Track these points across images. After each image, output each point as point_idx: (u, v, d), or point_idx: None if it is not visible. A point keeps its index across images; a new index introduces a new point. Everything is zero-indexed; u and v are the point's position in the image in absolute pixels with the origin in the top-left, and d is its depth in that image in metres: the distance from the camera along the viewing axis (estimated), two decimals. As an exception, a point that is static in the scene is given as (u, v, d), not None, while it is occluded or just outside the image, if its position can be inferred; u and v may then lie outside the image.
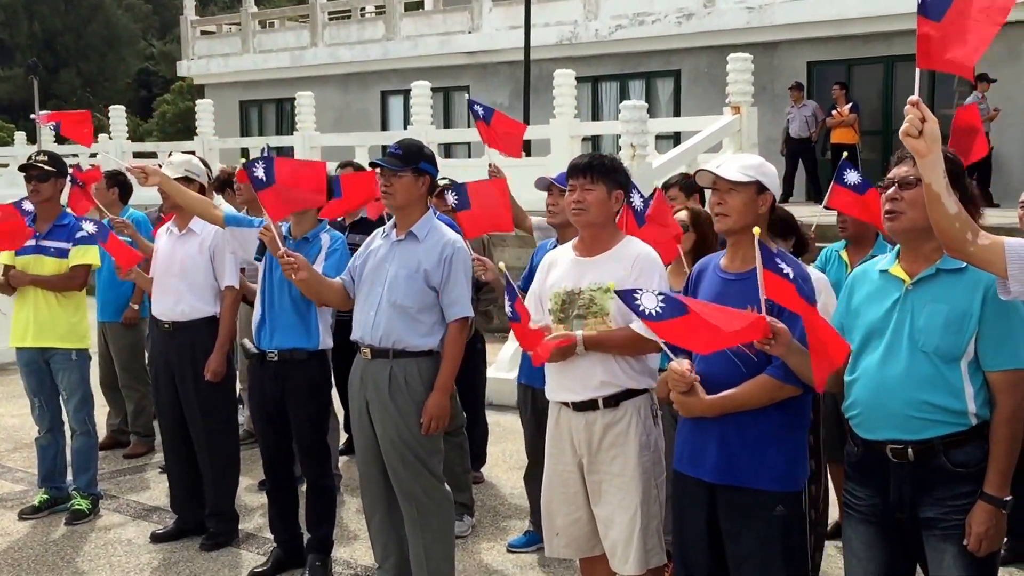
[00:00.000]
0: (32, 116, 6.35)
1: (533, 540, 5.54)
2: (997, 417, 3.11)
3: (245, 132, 24.63)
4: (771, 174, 3.60)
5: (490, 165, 6.16)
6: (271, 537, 5.49)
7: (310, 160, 4.70)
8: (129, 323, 7.48)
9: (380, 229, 4.73)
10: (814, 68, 17.43)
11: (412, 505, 4.55)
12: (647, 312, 3.30)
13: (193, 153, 6.93)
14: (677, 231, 4.76)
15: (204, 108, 19.37)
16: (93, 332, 6.77)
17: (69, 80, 49.67)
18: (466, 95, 21.25)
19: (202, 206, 5.29)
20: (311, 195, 4.75)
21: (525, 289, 5.47)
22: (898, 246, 3.34)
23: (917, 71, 3.01)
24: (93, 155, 19.59)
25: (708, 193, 3.70)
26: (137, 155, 19.51)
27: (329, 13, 23.86)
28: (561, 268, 4.04)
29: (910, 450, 3.14)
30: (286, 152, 18.33)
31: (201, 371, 5.45)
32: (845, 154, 6.25)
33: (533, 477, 5.48)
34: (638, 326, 3.74)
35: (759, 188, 3.53)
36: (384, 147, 19.68)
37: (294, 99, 18.35)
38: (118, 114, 20.82)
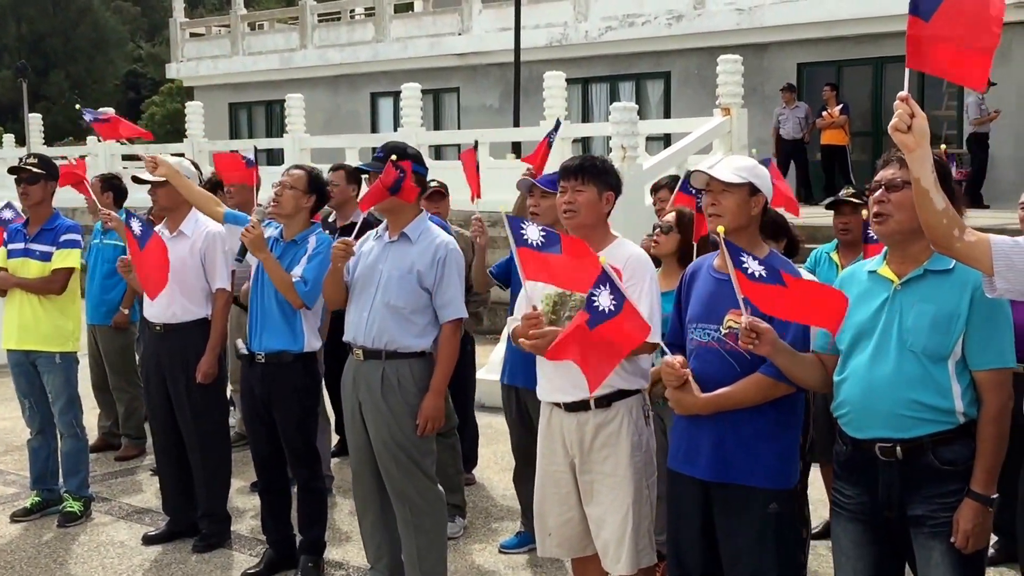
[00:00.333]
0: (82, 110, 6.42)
1: (525, 541, 5.55)
2: (984, 416, 3.14)
3: (234, 134, 24.59)
4: (764, 176, 3.65)
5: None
6: (263, 538, 5.50)
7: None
8: (119, 327, 7.47)
9: (373, 231, 4.74)
10: (804, 69, 17.48)
11: (405, 506, 4.56)
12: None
13: (183, 155, 6.95)
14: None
15: (194, 110, 19.34)
16: (84, 334, 6.76)
17: (57, 82, 49.52)
18: (456, 97, 21.42)
19: (204, 201, 5.36)
20: None
21: (497, 275, 5.51)
22: (886, 247, 3.37)
23: (907, 69, 3.04)
24: (82, 157, 19.55)
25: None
26: (126, 157, 19.44)
27: (318, 15, 23.84)
28: None
29: (899, 448, 3.17)
30: (276, 154, 18.33)
31: (192, 373, 5.45)
32: None
33: (522, 478, 5.51)
34: None
35: (752, 189, 3.57)
36: (374, 149, 19.69)
37: (283, 101, 18.34)
38: (107, 116, 20.72)
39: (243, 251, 4.96)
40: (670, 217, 4.84)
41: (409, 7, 23.74)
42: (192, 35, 26.29)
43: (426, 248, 4.49)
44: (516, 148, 15.25)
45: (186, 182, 5.34)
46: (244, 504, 6.36)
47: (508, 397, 5.40)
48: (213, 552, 5.57)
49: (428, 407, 4.49)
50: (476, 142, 6.37)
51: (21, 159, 6.05)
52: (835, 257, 5.50)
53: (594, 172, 3.97)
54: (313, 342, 5.10)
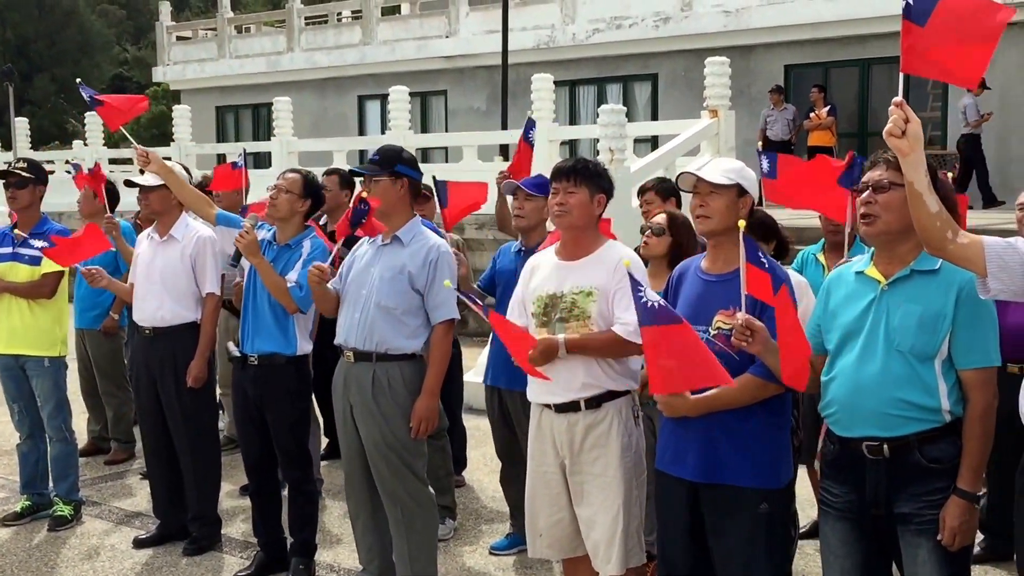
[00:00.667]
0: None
1: (515, 542, 5.57)
2: (969, 414, 3.18)
3: (221, 138, 24.57)
4: (751, 178, 3.68)
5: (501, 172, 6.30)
6: (254, 541, 5.51)
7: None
8: (109, 331, 7.46)
9: (366, 237, 4.77)
10: (791, 71, 17.56)
11: (396, 507, 4.58)
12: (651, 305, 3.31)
13: (170, 159, 6.94)
14: None
15: (181, 114, 19.29)
16: (71, 338, 6.75)
17: (43, 86, 49.32)
18: (444, 99, 21.43)
19: (198, 202, 5.37)
20: None
21: (483, 287, 5.52)
22: (872, 248, 3.41)
23: (901, 75, 3.07)
24: (67, 160, 19.48)
25: (684, 197, 3.76)
26: (113, 161, 19.41)
27: (306, 18, 23.84)
28: (543, 272, 4.08)
29: (886, 447, 3.20)
30: (263, 158, 18.31)
31: (182, 377, 5.45)
32: None
33: (509, 479, 5.54)
34: (620, 329, 3.79)
35: (740, 191, 3.60)
36: (362, 152, 19.70)
37: (271, 104, 18.32)
38: (94, 120, 20.68)
39: (237, 255, 4.97)
40: (661, 219, 4.86)
41: (396, 10, 23.75)
42: (179, 38, 26.25)
43: (418, 250, 4.51)
44: (504, 151, 15.27)
45: (179, 181, 5.34)
46: (234, 507, 6.36)
47: (491, 398, 5.42)
48: (204, 555, 5.57)
49: (421, 408, 4.50)
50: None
51: (8, 163, 6.03)
52: (821, 258, 5.52)
53: (587, 174, 3.99)
54: (305, 345, 5.12)
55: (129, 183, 5.61)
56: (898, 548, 3.27)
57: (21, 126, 22.73)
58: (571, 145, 17.08)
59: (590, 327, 3.90)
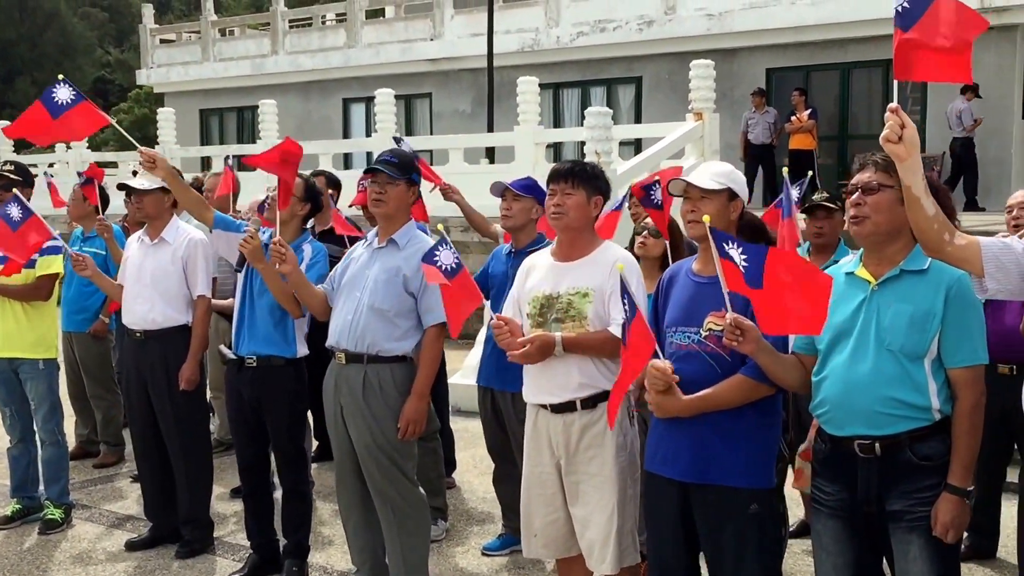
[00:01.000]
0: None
1: (507, 543, 5.61)
2: (959, 411, 3.23)
3: (205, 140, 24.51)
4: (741, 181, 3.73)
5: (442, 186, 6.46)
6: (246, 544, 5.53)
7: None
8: (98, 334, 7.45)
9: (363, 239, 4.80)
10: (772, 74, 17.67)
11: (388, 508, 4.61)
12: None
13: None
14: None
15: (165, 117, 19.26)
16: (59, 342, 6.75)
17: (24, 89, 49.07)
18: (429, 102, 21.44)
19: (197, 205, 5.36)
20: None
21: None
22: (862, 249, 3.46)
23: (895, 81, 3.12)
24: (51, 164, 19.42)
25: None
26: (97, 164, 19.32)
27: (290, 21, 23.81)
28: (539, 273, 4.12)
29: (877, 445, 3.25)
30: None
31: (174, 380, 5.46)
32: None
33: (502, 479, 5.57)
34: (616, 329, 3.83)
35: (730, 195, 3.64)
36: (346, 155, 19.70)
37: (255, 107, 18.31)
38: (78, 123, 20.59)
39: (241, 260, 4.99)
40: (651, 221, 4.90)
41: (380, 13, 23.76)
42: (162, 41, 26.17)
43: (413, 253, 4.54)
44: (490, 153, 15.30)
45: (182, 184, 5.34)
46: (225, 510, 6.37)
47: (483, 398, 5.45)
48: (196, 558, 5.58)
49: (409, 410, 4.54)
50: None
51: (-7, 167, 6.03)
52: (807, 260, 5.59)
53: (584, 176, 4.04)
54: (303, 348, 5.14)
55: (123, 186, 5.61)
56: (889, 545, 3.32)
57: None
58: (556, 148, 17.15)
59: (586, 327, 3.94)
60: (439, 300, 4.53)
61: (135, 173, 5.54)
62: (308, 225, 6.31)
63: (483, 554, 5.63)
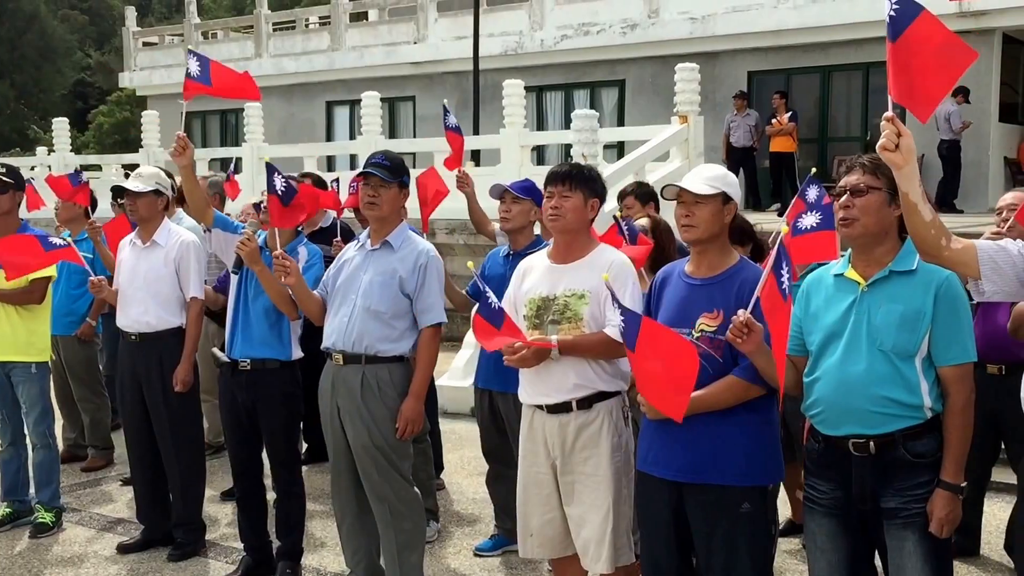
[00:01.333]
0: None
1: (499, 543, 5.65)
2: (950, 408, 3.29)
3: (188, 143, 24.42)
4: (734, 184, 3.75)
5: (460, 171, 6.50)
6: (238, 546, 5.55)
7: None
8: (85, 338, 7.45)
9: (355, 241, 4.83)
10: (754, 77, 17.77)
11: (384, 508, 4.64)
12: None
13: (138, 165, 6.98)
14: None
15: (150, 119, 19.21)
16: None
17: (3, 92, 48.74)
18: (412, 105, 21.45)
19: (202, 204, 5.38)
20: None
21: (472, 295, 5.61)
22: (849, 251, 3.52)
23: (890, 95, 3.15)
24: (32, 168, 19.33)
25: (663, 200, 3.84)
26: (85, 167, 19.26)
27: (273, 24, 23.78)
28: (536, 275, 4.15)
29: (872, 444, 3.31)
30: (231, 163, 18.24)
31: (169, 382, 5.48)
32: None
33: (496, 480, 5.60)
34: (611, 331, 3.88)
35: (724, 198, 3.67)
36: (330, 158, 19.69)
37: (238, 110, 18.28)
38: (61, 126, 20.56)
39: (239, 262, 5.01)
40: (644, 223, 4.95)
41: (364, 16, 23.76)
42: (145, 44, 26.08)
43: (408, 255, 4.58)
44: (476, 156, 15.34)
45: (195, 182, 5.34)
46: (216, 513, 6.39)
47: (481, 400, 5.49)
48: (189, 560, 5.59)
49: (407, 410, 4.57)
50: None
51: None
52: (790, 263, 5.65)
53: (581, 179, 4.08)
54: (297, 351, 5.17)
55: (118, 188, 5.63)
56: (883, 542, 3.37)
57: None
58: (539, 151, 17.19)
59: (582, 329, 3.97)
60: (435, 300, 4.58)
61: (127, 175, 5.55)
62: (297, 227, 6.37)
63: (475, 555, 5.66)
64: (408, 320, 4.61)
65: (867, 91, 16.59)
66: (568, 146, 14.73)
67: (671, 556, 3.72)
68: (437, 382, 7.13)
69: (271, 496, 5.45)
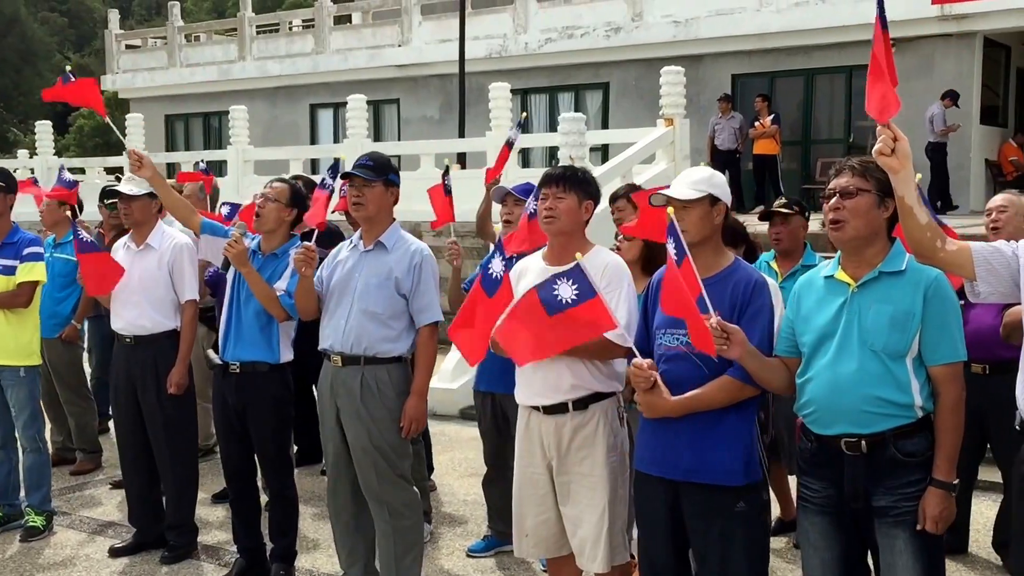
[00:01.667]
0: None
1: (492, 544, 5.68)
2: (941, 407, 3.34)
3: (171, 147, 24.38)
4: (721, 184, 3.78)
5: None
6: (231, 549, 5.56)
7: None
8: (69, 340, 7.43)
9: (347, 240, 4.84)
10: (738, 80, 17.85)
11: (383, 509, 4.66)
12: (564, 301, 3.61)
13: (121, 169, 6.97)
14: None
15: (134, 122, 19.16)
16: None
17: (-16, 95, 48.53)
18: (397, 108, 21.46)
19: (184, 210, 5.41)
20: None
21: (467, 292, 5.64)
22: (839, 253, 3.55)
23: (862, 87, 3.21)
24: (15, 170, 19.23)
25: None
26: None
27: (257, 27, 23.75)
28: (531, 277, 4.16)
29: (863, 443, 3.35)
30: (216, 166, 18.22)
31: (163, 385, 5.48)
32: None
33: (492, 483, 5.62)
34: (608, 332, 3.91)
35: (712, 200, 3.70)
36: (314, 160, 19.68)
37: (222, 113, 18.26)
38: (44, 129, 20.47)
39: (226, 264, 5.02)
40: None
41: (348, 19, 23.75)
42: (128, 47, 25.99)
43: (402, 255, 4.61)
44: (461, 159, 15.36)
45: (168, 188, 5.36)
46: (208, 515, 6.39)
47: (484, 404, 5.51)
48: (182, 563, 5.59)
49: (411, 408, 4.60)
50: (447, 167, 6.51)
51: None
52: (774, 264, 5.71)
53: (575, 181, 4.11)
54: (287, 354, 5.18)
55: (111, 191, 5.62)
56: (875, 540, 3.41)
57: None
58: (523, 153, 17.23)
59: None
60: (432, 299, 4.60)
61: (119, 179, 5.55)
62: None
63: (468, 556, 5.69)
64: (405, 320, 4.63)
65: (850, 94, 16.71)
66: (553, 149, 14.78)
67: (669, 555, 3.76)
68: (425, 384, 7.14)
69: (264, 498, 5.47)
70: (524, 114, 7.15)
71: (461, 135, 16.14)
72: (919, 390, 3.34)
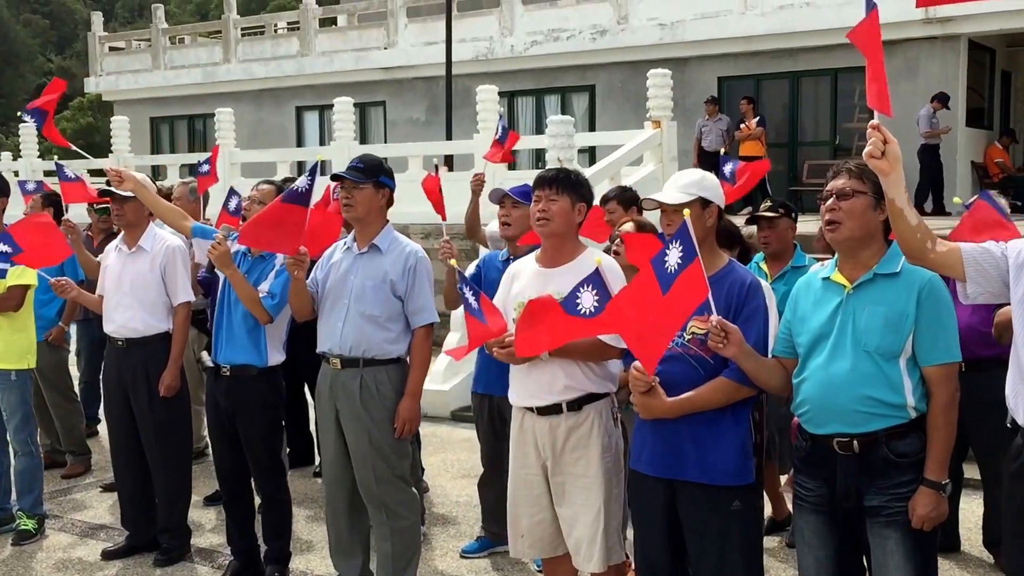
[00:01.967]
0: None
1: (485, 545, 5.69)
2: (934, 408, 3.36)
3: (156, 149, 24.30)
4: (712, 187, 3.79)
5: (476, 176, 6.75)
6: (225, 551, 5.56)
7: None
8: (56, 342, 7.41)
9: (340, 242, 4.85)
10: (724, 83, 17.92)
11: (382, 512, 4.67)
12: (587, 311, 3.61)
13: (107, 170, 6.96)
14: None
15: (119, 125, 19.08)
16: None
17: (-34, 96, 48.26)
18: (383, 110, 21.44)
19: (172, 215, 5.41)
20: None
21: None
22: (836, 254, 3.59)
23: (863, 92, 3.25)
24: (-1, 173, 19.13)
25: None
26: (48, 173, 19.08)
27: (242, 29, 23.69)
28: (525, 279, 4.19)
29: (855, 442, 3.38)
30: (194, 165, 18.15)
31: (156, 387, 5.48)
32: None
33: (488, 484, 5.63)
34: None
35: (703, 203, 3.72)
36: (300, 163, 19.65)
37: (207, 115, 18.20)
38: (29, 131, 20.36)
39: (211, 266, 5.02)
40: (630, 227, 5.01)
41: (333, 21, 23.73)
42: (112, 49, 25.89)
43: (397, 257, 4.62)
44: (449, 161, 15.36)
45: (154, 196, 5.38)
46: (200, 518, 6.38)
47: (481, 406, 5.51)
48: (175, 565, 5.59)
49: (405, 409, 4.61)
50: (436, 166, 6.57)
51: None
52: (763, 266, 5.74)
53: (568, 183, 4.12)
54: (277, 356, 5.18)
55: (105, 192, 5.62)
56: (867, 539, 3.44)
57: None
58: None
59: None
60: (427, 301, 4.61)
61: (109, 183, 5.54)
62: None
63: (462, 556, 5.70)
64: (402, 322, 4.65)
65: (835, 96, 16.80)
66: (540, 151, 14.78)
67: (665, 554, 3.78)
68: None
69: (258, 500, 5.46)
70: (501, 111, 7.18)
71: (449, 137, 16.14)
72: (912, 390, 3.36)
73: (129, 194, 5.49)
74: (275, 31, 23.72)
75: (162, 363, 5.49)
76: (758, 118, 15.95)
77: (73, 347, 8.41)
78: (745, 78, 17.69)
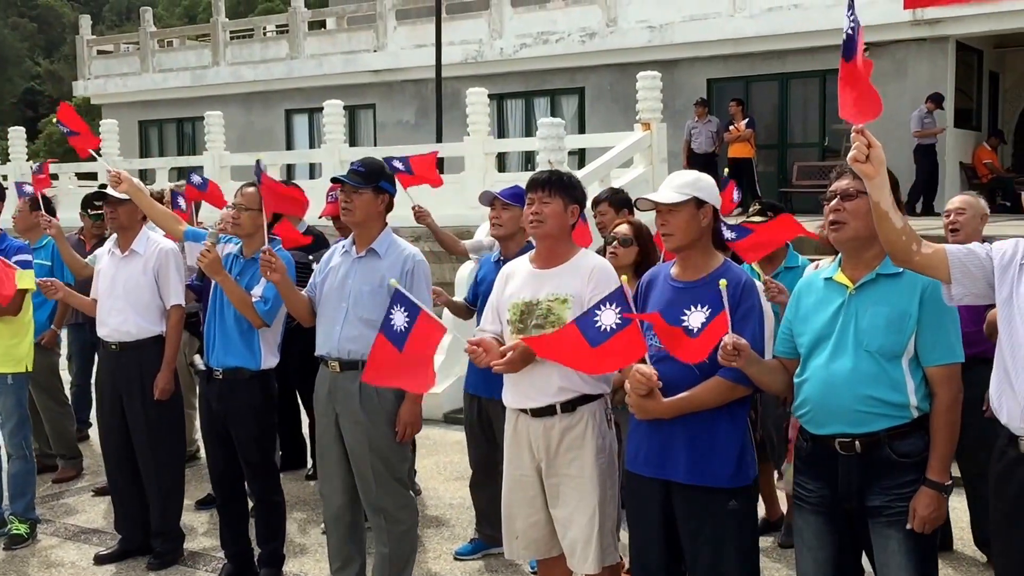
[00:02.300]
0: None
1: (479, 547, 5.69)
2: (936, 408, 3.37)
3: (145, 152, 24.24)
4: (707, 187, 3.78)
5: (414, 208, 6.63)
6: (218, 555, 5.54)
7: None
8: (47, 345, 7.38)
9: (338, 245, 4.84)
10: (713, 85, 17.97)
11: (381, 516, 4.66)
12: (606, 329, 3.59)
13: (96, 175, 6.95)
14: None
15: (108, 128, 19.03)
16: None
17: (-46, 100, 48.07)
18: (372, 113, 21.44)
19: (165, 219, 5.40)
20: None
21: (471, 302, 5.68)
22: (839, 255, 3.60)
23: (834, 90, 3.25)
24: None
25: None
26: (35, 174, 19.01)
27: (231, 32, 23.66)
28: (519, 280, 4.19)
29: (857, 443, 3.38)
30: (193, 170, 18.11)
31: (149, 390, 5.46)
32: None
33: (479, 486, 5.63)
34: None
35: (697, 203, 3.72)
36: (289, 166, 19.63)
37: (195, 119, 18.16)
38: (17, 135, 20.30)
39: (201, 273, 5.02)
40: (626, 229, 5.01)
41: (322, 24, 23.71)
42: (100, 52, 25.82)
43: (395, 261, 4.61)
44: (439, 163, 15.37)
45: (149, 200, 5.36)
46: (193, 521, 6.35)
47: (470, 406, 5.51)
48: (168, 569, 5.57)
49: (405, 412, 4.60)
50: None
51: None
52: (756, 267, 5.76)
53: (561, 185, 4.13)
54: (270, 360, 5.16)
55: (101, 194, 5.60)
56: (869, 540, 3.44)
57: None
58: (500, 158, 17.26)
59: None
60: (425, 303, 4.60)
61: (103, 186, 5.53)
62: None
63: (455, 559, 5.69)
64: None
65: (824, 97, 16.86)
66: (529, 153, 14.79)
67: (661, 555, 3.77)
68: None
69: (251, 503, 5.45)
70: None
71: (438, 140, 16.14)
72: (915, 390, 3.37)
73: (124, 197, 5.48)
74: (264, 34, 23.69)
75: (156, 366, 5.47)
76: (747, 120, 16.00)
77: (64, 351, 8.40)
78: (734, 80, 17.74)
